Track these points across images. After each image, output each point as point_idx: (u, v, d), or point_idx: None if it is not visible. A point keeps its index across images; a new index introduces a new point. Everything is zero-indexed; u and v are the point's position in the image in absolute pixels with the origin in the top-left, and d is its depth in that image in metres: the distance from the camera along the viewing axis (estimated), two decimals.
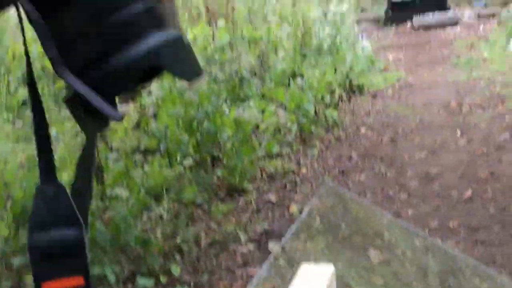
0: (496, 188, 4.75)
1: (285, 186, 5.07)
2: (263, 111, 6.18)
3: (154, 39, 0.80)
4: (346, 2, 13.72)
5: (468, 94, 7.73)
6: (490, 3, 15.11)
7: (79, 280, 0.80)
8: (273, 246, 3.68)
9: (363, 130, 6.64)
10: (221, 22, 7.84)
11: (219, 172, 5.02)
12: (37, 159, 0.83)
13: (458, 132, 6.19)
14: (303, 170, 5.45)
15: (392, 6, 14.89)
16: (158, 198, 4.37)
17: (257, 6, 9.54)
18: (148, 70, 0.82)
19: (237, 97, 6.53)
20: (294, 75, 7.81)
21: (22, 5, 0.75)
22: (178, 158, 4.98)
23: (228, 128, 5.38)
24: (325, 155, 5.87)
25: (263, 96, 6.89)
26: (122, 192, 4.13)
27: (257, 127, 5.96)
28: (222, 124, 5.33)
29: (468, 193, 4.72)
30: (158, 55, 0.80)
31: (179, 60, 0.83)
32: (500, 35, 11.38)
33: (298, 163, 5.61)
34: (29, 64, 0.83)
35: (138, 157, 4.96)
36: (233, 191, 4.85)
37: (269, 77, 7.51)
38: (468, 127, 6.35)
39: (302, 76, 7.78)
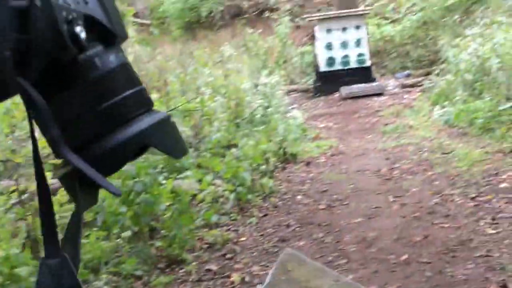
0: (430, 251, 4.86)
1: (225, 255, 5.07)
2: (200, 181, 6.21)
3: (144, 121, 0.88)
4: (276, 74, 14.08)
5: (397, 160, 7.96)
6: (413, 73, 15.74)
7: None
8: None
9: (299, 197, 6.73)
10: (154, 95, 7.90)
11: (158, 243, 4.98)
12: (41, 233, 0.87)
13: (391, 197, 6.35)
14: (243, 239, 5.46)
15: (320, 78, 15.33)
16: (96, 271, 4.29)
17: (189, 78, 9.67)
18: (140, 149, 0.89)
19: (174, 168, 6.55)
20: (229, 145, 7.90)
21: (28, 91, 0.81)
22: (116, 230, 4.92)
23: (165, 199, 5.37)
24: (264, 223, 5.91)
25: (199, 166, 6.94)
26: None
27: (195, 197, 5.97)
28: (159, 195, 5.32)
29: (405, 256, 4.81)
30: (148, 135, 0.88)
31: (167, 139, 0.92)
32: (423, 103, 11.85)
33: (237, 232, 5.63)
34: (35, 149, 0.87)
35: None
36: (173, 262, 4.81)
37: (205, 148, 7.58)
38: (400, 192, 6.52)
39: (236, 146, 7.88)
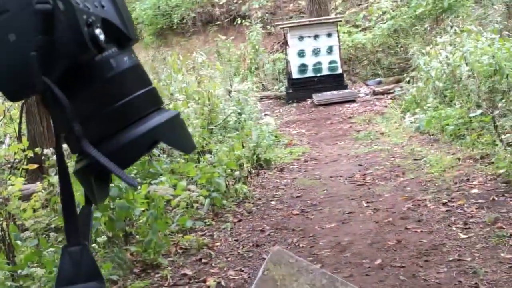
0: (404, 255, 4.92)
1: (201, 260, 5.07)
2: (174, 187, 6.20)
3: (156, 118, 0.94)
4: (249, 81, 14.13)
5: (370, 166, 8.04)
6: (384, 81, 15.90)
7: None
8: None
9: (273, 203, 6.77)
10: None
11: (133, 248, 4.97)
12: (64, 223, 0.93)
13: (364, 203, 6.41)
14: (218, 244, 5.48)
15: (293, 85, 15.41)
16: None
17: (163, 84, 9.66)
18: (151, 144, 0.94)
19: (148, 174, 6.54)
20: (203, 151, 7.91)
21: (53, 89, 0.86)
22: (91, 236, 4.90)
23: (140, 204, 5.36)
24: (238, 228, 5.93)
25: (173, 172, 6.94)
26: (35, 270, 4.01)
27: (169, 202, 5.97)
28: (134, 200, 5.31)
29: (379, 261, 4.86)
30: (160, 132, 0.93)
31: (177, 135, 0.98)
32: (395, 110, 11.98)
33: (212, 237, 5.64)
34: (58, 140, 0.94)
35: (51, 235, 4.85)
36: (148, 267, 4.81)
37: (179, 153, 7.57)
38: (373, 197, 6.58)
39: (210, 151, 7.90)
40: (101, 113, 0.91)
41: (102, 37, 0.89)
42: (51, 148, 5.71)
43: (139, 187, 5.67)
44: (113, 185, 5.17)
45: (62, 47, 0.86)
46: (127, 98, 0.92)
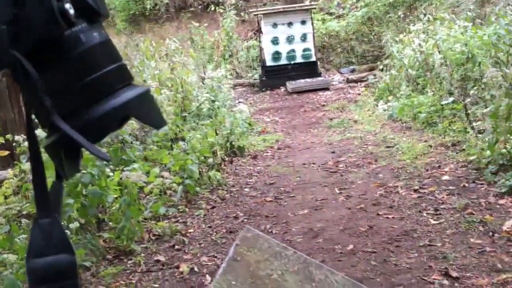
0: (375, 241, 4.96)
1: (174, 246, 5.07)
2: (147, 174, 6.18)
3: (127, 93, 0.94)
4: (222, 68, 14.09)
5: (343, 153, 8.10)
6: (358, 69, 15.97)
7: None
8: None
9: (247, 190, 6.78)
10: None
11: (106, 234, 4.95)
12: (34, 195, 0.93)
13: (337, 190, 6.45)
14: (191, 230, 5.48)
15: (266, 72, 15.41)
16: None
17: (135, 71, 9.59)
18: (122, 119, 0.94)
19: (121, 160, 6.50)
20: (176, 138, 7.89)
21: (23, 62, 0.86)
22: (63, 222, 4.88)
23: (113, 191, 5.34)
24: (212, 215, 5.94)
25: (146, 159, 6.91)
26: (7, 257, 3.99)
27: (142, 189, 5.95)
28: (107, 187, 5.29)
29: (351, 246, 4.90)
30: (131, 107, 0.93)
31: (148, 111, 0.98)
32: (368, 98, 12.05)
33: (186, 224, 5.64)
34: (29, 115, 0.94)
35: (22, 221, 4.82)
36: (122, 253, 4.80)
37: (152, 140, 7.55)
38: (345, 184, 6.63)
39: (184, 138, 7.88)
40: (71, 88, 0.91)
41: (71, 11, 0.89)
42: (22, 135, 5.65)
43: (111, 174, 5.65)
44: (85, 172, 5.15)
45: (31, 21, 0.86)
46: (97, 73, 0.92)
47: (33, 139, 0.93)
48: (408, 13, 15.54)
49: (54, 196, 0.95)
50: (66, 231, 4.62)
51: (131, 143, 7.28)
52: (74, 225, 4.82)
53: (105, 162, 5.96)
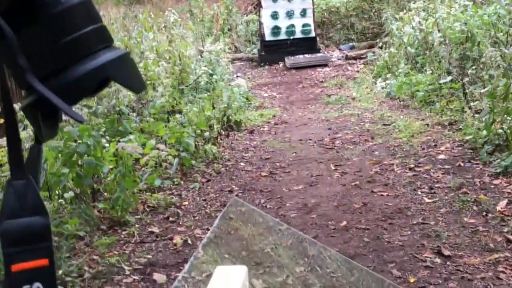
0: (369, 218, 4.98)
1: (168, 218, 5.08)
2: (143, 145, 6.17)
3: (106, 55, 0.92)
4: (221, 42, 14.01)
5: (340, 130, 8.09)
6: (357, 46, 15.90)
7: (44, 262, 0.88)
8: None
9: (242, 164, 6.78)
10: None
11: (100, 205, 4.96)
12: (7, 156, 0.91)
13: (332, 166, 6.46)
14: (185, 203, 5.49)
15: (265, 47, 15.32)
16: None
17: (133, 42, 9.54)
18: (101, 81, 0.92)
19: (117, 132, 6.49)
20: (173, 110, 7.88)
21: None
22: (58, 191, 4.88)
23: (108, 162, 5.34)
24: (207, 189, 5.94)
25: (142, 131, 6.90)
26: None
27: (138, 161, 5.95)
28: (102, 158, 5.29)
29: (344, 223, 4.92)
30: (109, 69, 0.91)
31: (127, 73, 0.95)
32: (366, 75, 12.01)
33: (180, 196, 5.64)
34: (2, 72, 0.91)
35: None
36: (116, 224, 4.81)
37: (148, 112, 7.54)
38: (341, 161, 6.63)
39: (181, 111, 7.86)
40: (49, 49, 0.89)
41: None
42: (18, 103, 5.63)
43: (107, 145, 5.64)
44: (80, 142, 5.14)
45: None
46: (75, 34, 0.90)
47: (7, 100, 0.91)
48: None
49: (32, 158, 0.93)
50: (61, 200, 4.64)
51: (128, 114, 7.27)
52: (69, 194, 4.83)
53: (101, 133, 5.96)
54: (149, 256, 4.28)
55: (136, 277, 3.98)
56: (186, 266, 1.73)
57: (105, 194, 5.14)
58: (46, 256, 0.88)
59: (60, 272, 3.88)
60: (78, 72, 0.89)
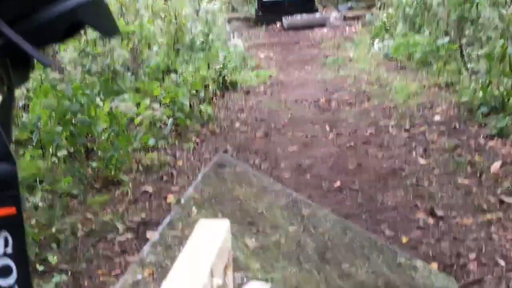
0: (363, 179, 4.98)
1: (162, 178, 5.07)
2: (138, 105, 6.14)
3: None
4: (218, 1, 13.87)
5: (336, 91, 8.05)
6: (355, 6, 15.76)
7: (11, 210, 0.85)
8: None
9: (237, 125, 6.76)
10: None
11: (94, 163, 4.94)
12: None
13: (328, 127, 6.43)
14: (179, 163, 5.47)
15: (262, 7, 15.19)
16: (31, 189, 4.26)
17: (128, 0, 9.43)
18: (72, 25, 0.89)
19: (111, 91, 6.46)
20: (168, 70, 7.82)
21: None
22: (52, 150, 4.87)
23: (102, 121, 5.32)
24: (201, 149, 5.93)
25: (137, 90, 6.86)
26: None
27: (132, 120, 5.92)
28: (96, 117, 5.26)
29: (338, 183, 4.91)
30: (81, 12, 0.88)
31: (99, 18, 0.93)
32: (364, 36, 11.93)
33: (174, 156, 5.63)
34: None
35: None
36: (109, 183, 4.80)
37: (143, 72, 7.48)
38: (337, 122, 6.61)
39: (176, 71, 7.81)
40: None
41: None
42: None
43: (101, 104, 5.61)
44: (74, 100, 5.12)
45: None
46: None
47: None
48: None
49: (4, 106, 0.91)
50: (54, 159, 4.62)
51: (122, 73, 7.22)
52: (62, 153, 4.81)
53: (95, 92, 5.92)
54: (143, 215, 4.28)
55: (129, 236, 3.98)
56: (167, 219, 1.72)
57: (99, 153, 5.12)
58: (14, 205, 0.85)
59: (54, 230, 3.89)
60: (47, 15, 0.86)
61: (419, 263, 1.90)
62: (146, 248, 1.65)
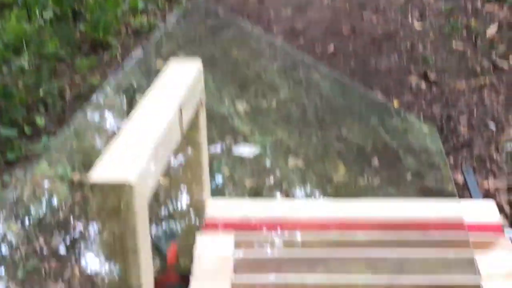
0: (357, 43, 4.89)
1: (151, 42, 4.98)
2: None
3: None
4: None
5: None
6: None
7: None
8: None
9: None
10: None
11: (81, 26, 4.83)
12: None
13: None
14: (169, 27, 5.35)
15: None
16: (18, 51, 4.18)
17: None
18: None
19: None
20: None
21: None
22: (38, 12, 4.73)
23: None
24: (192, 13, 5.77)
25: None
26: None
27: None
28: None
29: (331, 47, 4.84)
30: None
31: None
32: None
33: (164, 20, 5.49)
34: None
35: None
36: (97, 46, 4.70)
37: None
38: None
39: None
40: None
41: None
42: None
43: None
44: None
45: None
46: None
47: None
48: None
49: None
50: (41, 22, 4.50)
51: None
52: (49, 14, 4.68)
53: None
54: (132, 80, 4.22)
55: None
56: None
57: (87, 16, 4.98)
58: None
59: (41, 93, 3.85)
60: None
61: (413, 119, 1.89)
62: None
